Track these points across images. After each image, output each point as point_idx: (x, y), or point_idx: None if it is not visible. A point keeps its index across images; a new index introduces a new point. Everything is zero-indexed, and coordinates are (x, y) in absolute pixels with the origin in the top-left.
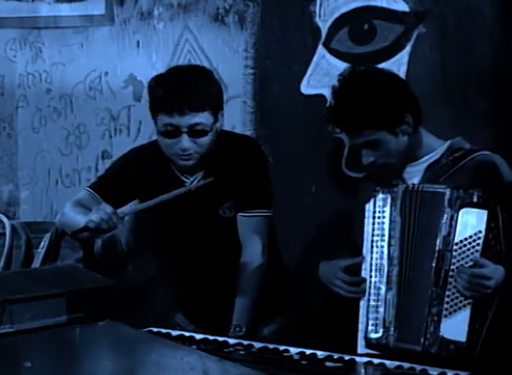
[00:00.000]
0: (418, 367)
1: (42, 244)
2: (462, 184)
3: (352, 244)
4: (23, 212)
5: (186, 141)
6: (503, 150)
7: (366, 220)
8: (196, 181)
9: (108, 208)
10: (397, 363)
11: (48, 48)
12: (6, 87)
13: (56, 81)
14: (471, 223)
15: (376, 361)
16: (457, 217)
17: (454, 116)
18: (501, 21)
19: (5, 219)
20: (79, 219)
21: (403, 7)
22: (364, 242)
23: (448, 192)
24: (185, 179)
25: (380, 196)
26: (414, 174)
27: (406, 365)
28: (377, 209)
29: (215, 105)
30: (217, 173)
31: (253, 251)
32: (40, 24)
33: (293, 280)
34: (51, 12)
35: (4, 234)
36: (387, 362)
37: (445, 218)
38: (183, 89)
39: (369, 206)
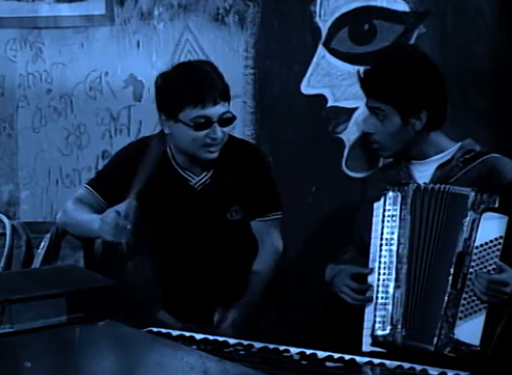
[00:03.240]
0: (418, 367)
1: (42, 244)
2: (486, 188)
3: (353, 243)
4: (23, 212)
5: (218, 130)
6: (503, 150)
7: (375, 218)
8: (204, 180)
9: (110, 218)
10: (397, 363)
11: (48, 48)
12: (6, 87)
13: (56, 81)
14: (492, 227)
15: (376, 361)
16: (479, 221)
17: (454, 116)
18: (501, 21)
19: (5, 219)
20: (85, 218)
21: (403, 7)
22: (372, 240)
23: (472, 195)
24: (187, 176)
25: (390, 194)
26: (423, 173)
27: (406, 365)
28: (387, 207)
29: (230, 95)
30: (224, 176)
31: (270, 253)
32: (40, 24)
33: (293, 280)
34: (51, 12)
35: (4, 234)
36: (387, 362)
37: (467, 220)
38: (210, 80)
39: (379, 204)
